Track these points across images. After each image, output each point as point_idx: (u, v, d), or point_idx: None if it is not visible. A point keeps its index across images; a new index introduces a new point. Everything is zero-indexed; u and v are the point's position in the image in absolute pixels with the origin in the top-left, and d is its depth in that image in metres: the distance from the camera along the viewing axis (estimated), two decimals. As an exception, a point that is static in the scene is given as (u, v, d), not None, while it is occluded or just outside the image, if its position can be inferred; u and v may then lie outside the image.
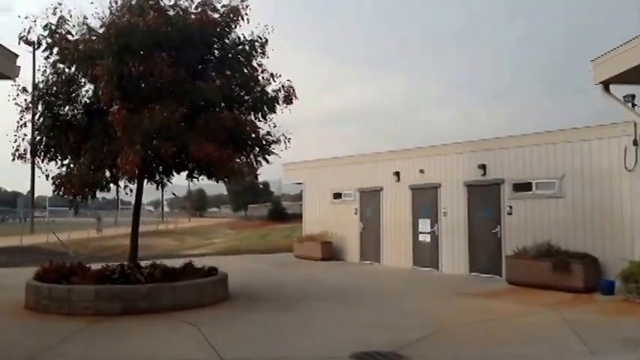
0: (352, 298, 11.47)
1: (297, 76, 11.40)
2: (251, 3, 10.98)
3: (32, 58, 22.26)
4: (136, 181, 11.44)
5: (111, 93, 9.81)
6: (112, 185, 11.23)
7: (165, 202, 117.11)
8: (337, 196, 19.31)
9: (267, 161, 11.76)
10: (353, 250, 18.42)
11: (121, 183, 11.25)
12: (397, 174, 16.95)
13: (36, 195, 46.98)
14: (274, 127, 11.52)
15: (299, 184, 21.91)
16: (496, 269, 13.93)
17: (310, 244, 19.03)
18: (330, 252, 18.66)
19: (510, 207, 13.84)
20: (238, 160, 11.08)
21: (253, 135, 11.21)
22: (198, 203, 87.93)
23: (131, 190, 11.43)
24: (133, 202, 12.57)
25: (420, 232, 16.16)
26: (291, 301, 10.90)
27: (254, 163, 11.62)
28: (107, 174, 10.92)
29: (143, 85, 10.22)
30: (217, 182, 12.05)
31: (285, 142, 11.59)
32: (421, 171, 16.21)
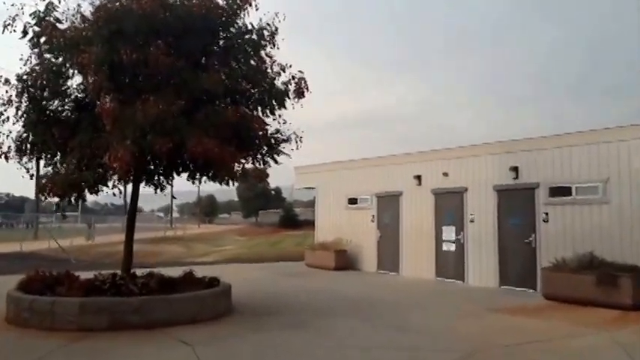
0: (371, 313, 10.23)
1: (312, 78, 10.27)
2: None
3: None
4: (130, 182, 10.55)
5: (100, 83, 8.83)
6: (110, 188, 10.18)
7: (175, 209, 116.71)
8: (352, 201, 18.06)
9: (277, 162, 10.63)
10: (369, 260, 17.14)
11: (111, 184, 10.15)
12: (418, 177, 15.67)
13: (45, 201, 46.15)
14: (284, 123, 10.36)
15: (312, 189, 20.65)
16: (530, 282, 12.60)
17: (323, 253, 17.77)
18: (345, 261, 17.39)
19: (546, 214, 12.51)
20: (243, 161, 9.97)
21: (261, 132, 10.09)
22: (208, 209, 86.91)
23: (120, 192, 10.36)
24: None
25: (444, 241, 14.85)
26: (301, 317, 9.75)
27: (261, 163, 10.47)
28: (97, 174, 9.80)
29: (137, 75, 9.25)
30: (221, 184, 10.87)
31: (296, 142, 10.43)
32: (445, 174, 14.92)
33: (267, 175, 10.52)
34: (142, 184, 10.83)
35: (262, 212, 67.55)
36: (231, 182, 10.53)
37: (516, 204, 13.19)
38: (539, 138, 13.01)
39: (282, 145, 10.46)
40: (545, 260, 12.23)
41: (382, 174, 16.98)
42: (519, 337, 8.20)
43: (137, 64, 8.86)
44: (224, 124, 9.16)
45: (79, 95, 9.89)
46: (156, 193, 11.79)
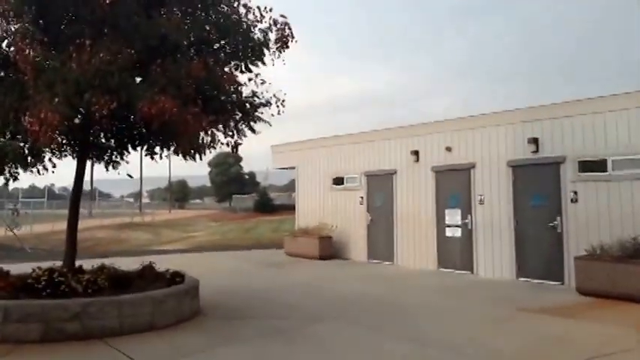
0: (372, 316, 8.20)
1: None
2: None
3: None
4: (73, 157, 8.51)
5: (24, 28, 7.05)
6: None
7: (145, 194, 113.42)
8: (338, 181, 15.90)
9: (254, 130, 8.48)
10: (358, 247, 15.06)
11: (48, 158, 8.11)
12: (416, 153, 13.58)
13: (12, 186, 43.71)
14: (262, 84, 8.19)
15: (291, 169, 18.43)
16: (555, 274, 10.67)
17: (306, 240, 15.63)
18: (330, 249, 15.29)
19: (575, 192, 10.54)
20: (213, 129, 7.80)
21: (233, 93, 7.93)
22: (179, 194, 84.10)
23: (50, 168, 8.19)
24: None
25: (448, 225, 12.81)
26: (287, 321, 7.76)
27: (235, 132, 8.30)
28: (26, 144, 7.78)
29: (74, 18, 7.27)
30: (185, 158, 8.66)
31: (277, 106, 8.28)
32: (448, 149, 12.84)
33: (240, 144, 8.27)
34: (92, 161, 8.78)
35: (236, 197, 65.29)
36: (197, 155, 8.35)
37: (537, 182, 11.20)
38: (564, 103, 10.97)
39: (260, 110, 8.30)
40: (575, 247, 10.34)
41: (372, 150, 14.86)
42: (570, 350, 6.30)
43: (74, 3, 7.00)
44: (186, 81, 7.14)
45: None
46: (107, 170, 9.55)
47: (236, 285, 10.80)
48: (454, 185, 12.74)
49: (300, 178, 17.44)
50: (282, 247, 17.12)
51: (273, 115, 8.14)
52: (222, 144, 8.05)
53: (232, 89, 7.76)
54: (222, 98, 7.93)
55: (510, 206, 11.55)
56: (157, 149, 8.39)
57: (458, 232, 12.61)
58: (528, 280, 11.05)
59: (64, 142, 7.82)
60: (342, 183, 15.75)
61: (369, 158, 14.93)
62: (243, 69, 8.12)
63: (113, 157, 8.98)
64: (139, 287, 7.71)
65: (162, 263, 9.11)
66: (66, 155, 8.53)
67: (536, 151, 11.13)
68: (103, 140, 8.69)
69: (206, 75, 7.31)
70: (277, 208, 49.72)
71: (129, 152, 8.93)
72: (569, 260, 10.43)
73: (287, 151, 17.94)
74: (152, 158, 8.78)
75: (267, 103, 8.23)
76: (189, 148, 7.83)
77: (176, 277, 8.16)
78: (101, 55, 6.56)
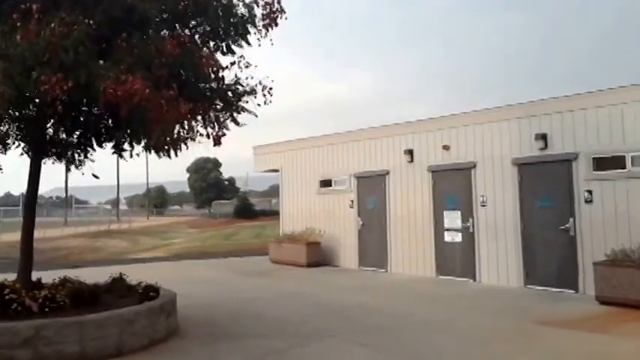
0: (373, 332, 7.20)
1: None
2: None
3: None
4: (30, 155, 7.36)
5: None
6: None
7: (123, 201, 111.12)
8: (326, 184, 14.88)
9: (237, 122, 7.43)
10: (349, 253, 14.05)
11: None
12: (410, 152, 12.62)
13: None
14: (247, 67, 7.15)
15: (274, 171, 17.35)
16: (568, 281, 9.77)
17: (292, 246, 14.56)
18: (319, 256, 14.25)
19: (589, 192, 9.66)
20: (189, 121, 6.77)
21: (213, 77, 6.89)
22: (158, 200, 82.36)
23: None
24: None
25: (447, 229, 11.86)
26: (278, 341, 6.74)
27: (216, 125, 7.25)
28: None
29: None
30: (159, 154, 7.62)
31: (264, 94, 7.25)
32: (445, 147, 11.91)
33: (222, 135, 7.19)
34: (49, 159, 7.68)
35: (215, 203, 64.05)
36: (172, 151, 7.33)
37: (546, 181, 10.30)
38: (577, 95, 10.09)
39: (245, 98, 7.26)
40: (589, 252, 9.46)
41: (363, 150, 13.86)
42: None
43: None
44: (158, 60, 6.06)
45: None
46: (69, 170, 8.42)
47: (218, 297, 9.70)
48: (453, 186, 11.79)
49: (285, 181, 16.38)
50: (265, 254, 16.07)
51: (259, 105, 7.11)
52: (201, 135, 6.99)
53: (212, 73, 6.71)
54: (201, 85, 6.91)
55: (516, 208, 10.63)
56: (127, 145, 7.32)
57: (458, 237, 11.66)
58: (537, 287, 10.13)
59: (10, 133, 6.70)
60: (331, 185, 14.73)
61: (359, 158, 13.94)
62: (225, 50, 7.09)
63: (76, 155, 7.84)
64: (107, 304, 6.73)
65: (137, 273, 8.07)
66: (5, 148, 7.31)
67: (545, 147, 10.23)
68: (64, 135, 7.58)
69: (181, 54, 6.27)
70: (258, 213, 48.82)
71: (94, 149, 7.83)
72: (583, 266, 9.56)
73: (270, 153, 16.88)
74: (121, 156, 7.70)
75: (253, 92, 7.22)
76: (164, 142, 6.78)
77: (149, 292, 7.07)
78: (52, 25, 5.50)
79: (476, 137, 11.40)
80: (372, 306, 8.91)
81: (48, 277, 7.52)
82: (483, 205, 11.20)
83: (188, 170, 69.63)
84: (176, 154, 7.44)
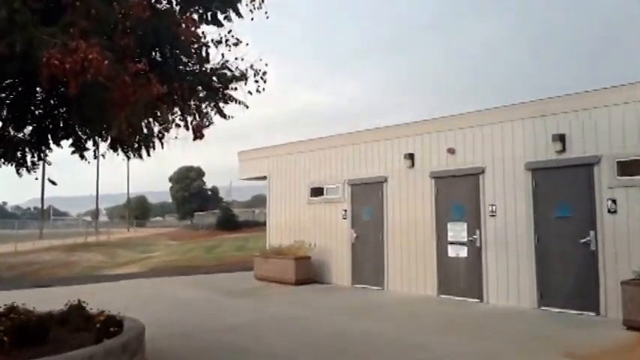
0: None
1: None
2: None
3: None
4: None
5: None
6: None
7: (104, 212, 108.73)
8: (317, 192, 13.71)
9: (224, 115, 6.20)
10: (341, 269, 12.87)
11: None
12: (410, 157, 11.52)
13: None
14: (236, 45, 5.94)
15: (260, 179, 16.16)
16: (589, 302, 8.69)
17: (279, 262, 13.35)
18: (308, 272, 13.05)
19: (613, 201, 8.60)
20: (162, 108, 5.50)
21: (194, 52, 5.66)
22: (138, 211, 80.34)
23: None
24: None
25: (451, 243, 10.74)
26: None
27: (197, 115, 6.02)
28: None
29: None
30: (127, 154, 6.46)
31: (257, 80, 6.03)
32: (450, 150, 10.83)
33: (204, 126, 5.95)
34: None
35: (198, 214, 62.39)
36: (144, 148, 6.16)
37: (563, 188, 9.24)
38: (600, 90, 9.05)
39: (233, 84, 6.04)
40: (613, 269, 8.42)
41: (358, 155, 12.74)
42: None
43: None
44: (122, 25, 4.81)
45: None
46: (19, 175, 7.07)
47: (196, 324, 8.38)
48: (458, 194, 10.70)
49: (273, 189, 15.18)
50: (249, 269, 14.87)
51: (250, 92, 5.90)
52: (178, 126, 5.79)
53: (193, 47, 5.50)
54: (180, 62, 5.67)
55: (530, 219, 9.55)
56: (83, 139, 6.10)
57: (463, 251, 10.55)
58: (553, 309, 9.04)
59: None
60: (322, 194, 13.55)
61: (353, 164, 12.80)
62: (210, 19, 5.84)
63: (28, 155, 6.57)
64: (57, 341, 5.41)
65: (107, 294, 6.85)
66: None
67: (563, 150, 9.18)
68: (12, 132, 6.32)
69: (153, 20, 4.98)
70: (241, 224, 47.44)
71: (50, 148, 6.58)
72: (606, 285, 8.50)
73: (257, 158, 15.69)
74: (82, 156, 6.45)
75: (243, 77, 5.99)
76: (129, 134, 5.50)
77: (110, 326, 5.72)
78: None
79: (484, 139, 10.33)
80: (377, 335, 7.68)
81: (5, 299, 6.23)
82: (492, 216, 10.11)
83: (170, 180, 68.09)
84: (148, 153, 6.24)
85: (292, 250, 13.29)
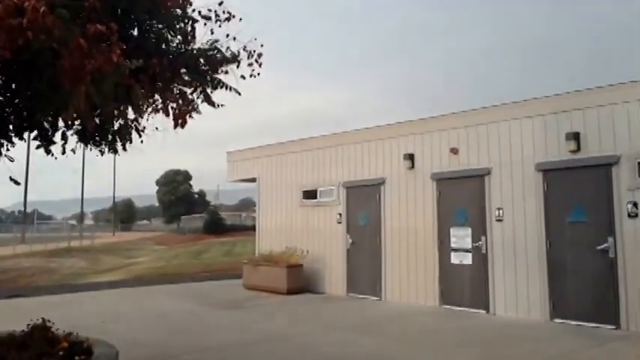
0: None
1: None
2: None
3: None
4: None
5: None
6: None
7: (89, 215, 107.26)
8: (310, 195, 12.96)
9: (212, 103, 5.33)
10: (335, 278, 12.13)
11: None
12: (410, 157, 10.82)
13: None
14: (227, 20, 5.09)
15: (249, 181, 15.39)
16: (607, 314, 8.03)
17: (270, 270, 12.57)
18: (301, 280, 12.30)
19: (634, 204, 7.94)
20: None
21: (175, 19, 4.85)
22: (124, 215, 79.14)
23: None
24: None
25: (454, 250, 10.05)
26: None
27: (180, 101, 5.17)
28: None
29: None
30: (101, 147, 5.62)
31: (251, 62, 5.17)
32: (453, 150, 10.15)
33: (187, 112, 5.11)
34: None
35: (185, 217, 61.43)
36: (118, 139, 5.36)
37: (578, 191, 8.58)
38: (617, 85, 8.40)
39: (223, 67, 5.20)
40: (633, 278, 7.78)
41: (353, 155, 12.02)
42: None
43: None
44: None
45: None
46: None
47: (180, 345, 7.46)
48: (462, 198, 10.02)
49: (263, 192, 14.40)
50: (236, 276, 14.10)
51: (243, 77, 5.09)
52: (156, 111, 4.99)
53: (176, 15, 4.68)
54: (159, 40, 4.83)
55: (541, 223, 8.87)
56: (48, 128, 5.26)
57: (467, 258, 9.85)
58: (566, 322, 8.36)
59: None
60: (316, 197, 12.80)
61: (349, 165, 12.07)
62: None
63: None
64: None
65: (84, 306, 6.09)
66: None
67: (577, 149, 8.52)
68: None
69: None
70: (228, 228, 46.70)
71: (11, 142, 5.74)
72: (627, 296, 7.85)
73: (246, 159, 14.90)
74: (47, 151, 5.61)
75: (235, 59, 5.17)
76: (94, 122, 4.69)
77: (76, 354, 4.88)
78: None
79: (490, 138, 9.65)
80: (391, 356, 6.93)
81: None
82: (499, 220, 9.42)
83: (157, 183, 67.13)
84: (124, 147, 5.43)
85: (284, 258, 12.51)
